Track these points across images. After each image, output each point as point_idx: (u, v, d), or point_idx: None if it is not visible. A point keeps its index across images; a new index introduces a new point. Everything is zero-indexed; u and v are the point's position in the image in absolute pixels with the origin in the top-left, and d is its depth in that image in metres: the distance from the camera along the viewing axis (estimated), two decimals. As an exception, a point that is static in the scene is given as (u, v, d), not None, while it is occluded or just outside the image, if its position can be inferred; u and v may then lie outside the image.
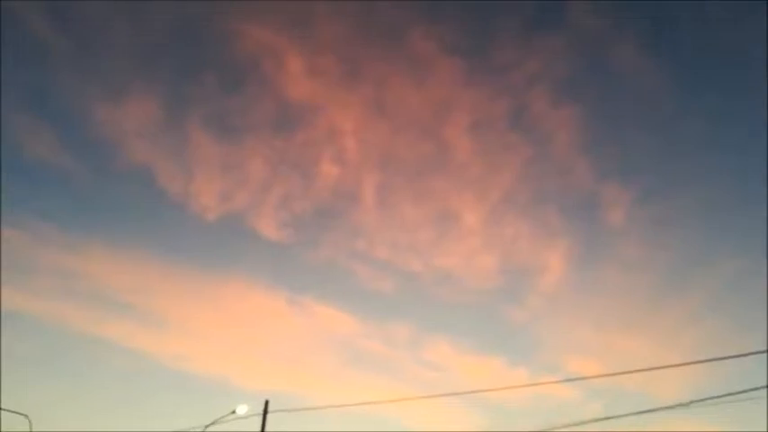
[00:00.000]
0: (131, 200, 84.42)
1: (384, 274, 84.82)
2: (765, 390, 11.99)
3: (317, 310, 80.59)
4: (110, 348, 77.45)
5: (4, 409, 28.68)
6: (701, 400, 13.41)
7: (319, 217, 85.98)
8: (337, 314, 79.47)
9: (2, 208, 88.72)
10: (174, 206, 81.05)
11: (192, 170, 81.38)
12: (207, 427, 26.54)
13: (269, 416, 21.73)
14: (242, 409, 24.72)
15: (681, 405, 14.22)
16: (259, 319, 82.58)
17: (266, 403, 21.44)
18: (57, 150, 77.59)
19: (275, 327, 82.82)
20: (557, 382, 18.93)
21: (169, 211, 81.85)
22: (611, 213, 62.20)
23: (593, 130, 64.38)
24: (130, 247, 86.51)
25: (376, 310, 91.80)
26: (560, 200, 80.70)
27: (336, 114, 77.15)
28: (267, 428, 21.25)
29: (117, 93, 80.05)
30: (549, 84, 64.49)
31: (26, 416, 29.11)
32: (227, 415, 25.54)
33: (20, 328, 76.76)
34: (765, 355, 11.83)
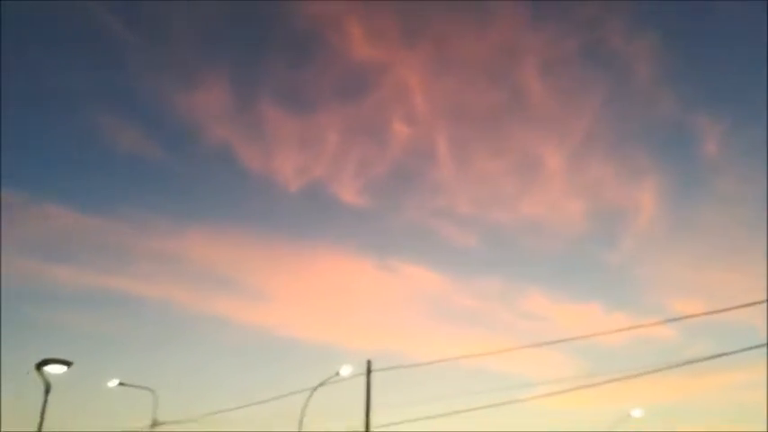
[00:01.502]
0: (218, 181, 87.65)
1: (469, 229, 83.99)
2: None
3: (406, 271, 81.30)
4: (217, 323, 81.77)
5: (131, 385, 31.08)
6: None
7: (397, 179, 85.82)
8: (426, 273, 79.83)
9: (102, 202, 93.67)
10: (257, 182, 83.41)
11: (269, 146, 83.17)
12: (314, 389, 27.75)
13: (372, 375, 22.34)
14: (346, 370, 25.61)
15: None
16: (350, 284, 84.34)
17: (368, 363, 22.04)
18: (145, 143, 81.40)
19: (366, 290, 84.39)
20: (658, 323, 18.23)
21: (253, 187, 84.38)
22: (703, 146, 58.15)
23: (675, 60, 59.79)
24: (224, 226, 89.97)
25: (464, 265, 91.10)
26: (646, 136, 76.02)
27: (402, 73, 76.04)
28: (371, 387, 21.91)
29: (190, 81, 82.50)
30: (625, 15, 60.26)
31: (151, 390, 31.33)
32: (332, 376, 26.56)
33: (135, 311, 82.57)
34: None
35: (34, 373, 20.58)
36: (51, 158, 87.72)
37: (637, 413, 37.43)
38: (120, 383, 30.97)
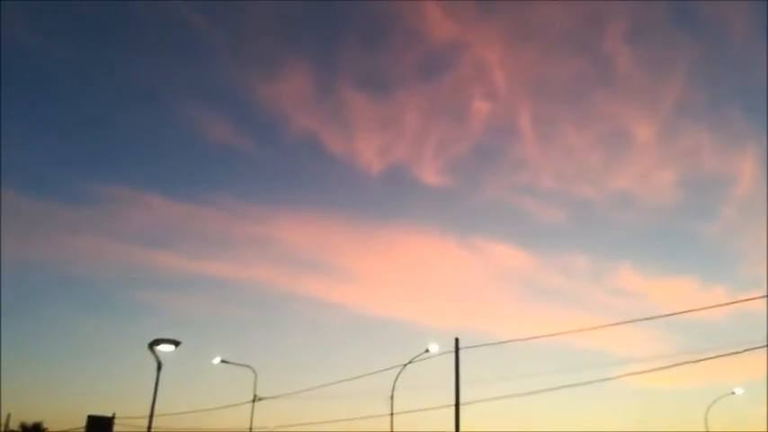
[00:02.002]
0: (304, 167, 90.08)
1: (553, 204, 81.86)
2: None
3: (489, 249, 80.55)
4: (309, 304, 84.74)
5: (233, 362, 33.01)
6: None
7: (478, 157, 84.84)
8: (510, 251, 78.80)
9: (198, 192, 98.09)
10: (341, 166, 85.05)
11: (351, 130, 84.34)
12: (404, 366, 28.43)
13: (459, 352, 22.62)
14: (434, 348, 26.07)
15: None
16: (434, 263, 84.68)
17: (456, 341, 22.32)
18: (233, 133, 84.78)
19: (451, 269, 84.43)
20: (759, 297, 17.24)
21: (338, 171, 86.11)
22: (809, 106, 53.27)
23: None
24: (311, 211, 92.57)
25: (550, 242, 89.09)
26: (744, 98, 70.94)
27: (480, 50, 74.61)
28: (459, 364, 22.21)
29: (273, 73, 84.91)
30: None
31: (251, 367, 33.13)
32: (421, 354, 27.11)
33: (231, 294, 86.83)
34: None
35: (147, 352, 22.43)
36: (151, 153, 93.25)
37: (739, 391, 35.68)
38: (223, 361, 32.92)
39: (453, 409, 21.57)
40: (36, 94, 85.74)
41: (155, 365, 22.10)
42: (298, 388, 28.83)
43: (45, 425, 58.86)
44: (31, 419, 57.25)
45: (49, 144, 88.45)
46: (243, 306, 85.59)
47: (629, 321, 19.19)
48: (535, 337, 21.35)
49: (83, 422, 29.31)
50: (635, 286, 74.59)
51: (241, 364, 33.05)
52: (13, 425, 49.97)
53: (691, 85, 72.37)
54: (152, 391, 21.82)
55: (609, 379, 20.04)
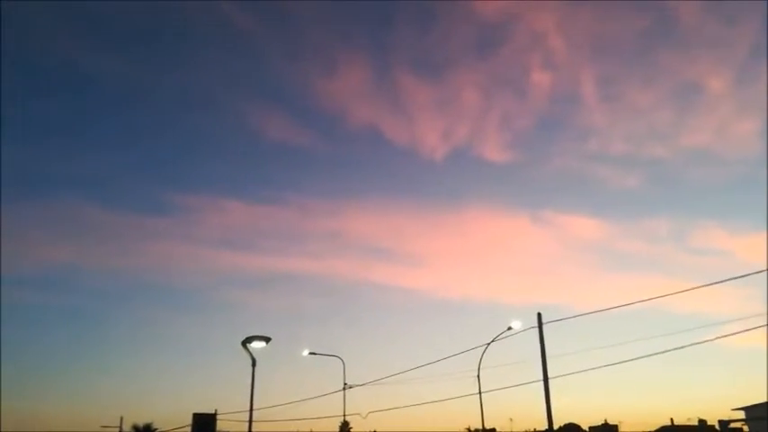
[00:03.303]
0: (367, 158, 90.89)
1: (626, 169, 79.09)
2: None
3: (562, 221, 78.81)
4: (384, 291, 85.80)
5: (321, 353, 34.08)
6: None
7: (542, 128, 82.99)
8: (584, 221, 76.74)
9: (262, 192, 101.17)
10: (404, 154, 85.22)
11: (411, 116, 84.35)
12: (488, 344, 28.52)
13: (543, 327, 22.48)
14: (517, 325, 26.00)
15: None
16: (507, 240, 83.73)
17: (539, 316, 22.18)
18: (292, 129, 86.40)
19: (524, 245, 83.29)
20: None
21: (401, 159, 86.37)
22: None
23: None
24: (378, 200, 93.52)
25: (626, 208, 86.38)
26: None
27: (534, 19, 72.59)
28: (544, 339, 22.07)
29: (328, 65, 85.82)
30: None
31: (339, 357, 34.07)
32: (504, 332, 27.10)
33: (305, 287, 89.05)
34: None
35: (240, 349, 23.56)
36: (216, 157, 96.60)
37: None
38: (311, 353, 34.04)
39: (542, 384, 21.52)
40: (98, 109, 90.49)
41: (248, 361, 23.25)
42: (384, 374, 29.45)
43: (155, 425, 62.65)
44: (141, 421, 61.10)
45: (120, 157, 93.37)
46: (320, 298, 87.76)
47: (717, 282, 18.45)
48: (619, 306, 20.87)
49: (188, 420, 31.15)
50: (721, 244, 71.22)
51: (329, 355, 34.11)
52: (126, 426, 53.62)
53: (766, 26, 67.84)
54: (248, 386, 22.98)
55: (702, 342, 19.37)
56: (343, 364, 32.95)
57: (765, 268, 16.88)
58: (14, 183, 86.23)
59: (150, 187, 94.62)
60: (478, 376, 29.58)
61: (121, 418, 54.36)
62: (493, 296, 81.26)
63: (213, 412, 26.56)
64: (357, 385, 31.21)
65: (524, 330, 24.28)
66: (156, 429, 61.29)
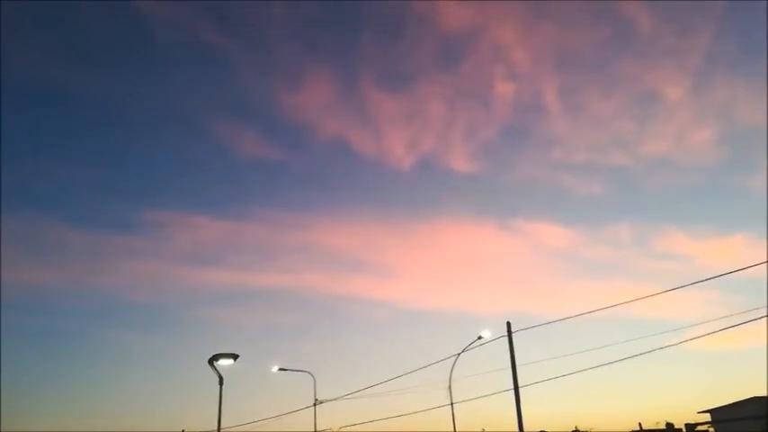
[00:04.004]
0: (336, 170, 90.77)
1: (589, 177, 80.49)
2: None
3: (530, 228, 79.75)
4: (355, 303, 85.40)
5: (290, 369, 33.66)
6: None
7: (507, 138, 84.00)
8: (551, 228, 77.91)
9: (232, 207, 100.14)
10: (372, 165, 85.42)
11: (378, 127, 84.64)
12: (458, 355, 28.55)
13: (513, 336, 22.61)
14: (486, 334, 26.13)
15: None
16: (475, 250, 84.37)
17: (508, 325, 22.31)
18: (261, 144, 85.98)
19: (492, 254, 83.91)
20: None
21: (369, 170, 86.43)
22: None
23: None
24: (347, 212, 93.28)
25: (590, 215, 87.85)
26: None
27: (497, 31, 73.84)
28: (513, 347, 22.20)
29: (295, 79, 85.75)
30: None
31: (309, 372, 33.71)
32: (474, 342, 27.18)
33: (277, 301, 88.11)
34: None
35: (208, 368, 23.09)
36: (187, 174, 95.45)
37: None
38: (281, 369, 33.62)
39: (513, 393, 21.61)
40: (69, 125, 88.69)
41: (216, 380, 22.80)
42: (356, 387, 29.26)
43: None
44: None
45: (89, 176, 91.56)
46: (293, 312, 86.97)
47: (681, 287, 18.82)
48: (587, 313, 21.15)
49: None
50: (684, 249, 72.91)
51: (299, 370, 33.73)
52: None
53: (720, 35, 70.24)
54: (217, 404, 22.52)
55: (668, 346, 19.72)
56: (314, 379, 32.70)
57: (725, 272, 17.31)
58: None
59: (119, 205, 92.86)
60: (450, 387, 29.61)
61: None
62: (463, 306, 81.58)
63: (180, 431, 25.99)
64: (328, 400, 30.96)
65: (494, 339, 24.42)
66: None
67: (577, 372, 21.82)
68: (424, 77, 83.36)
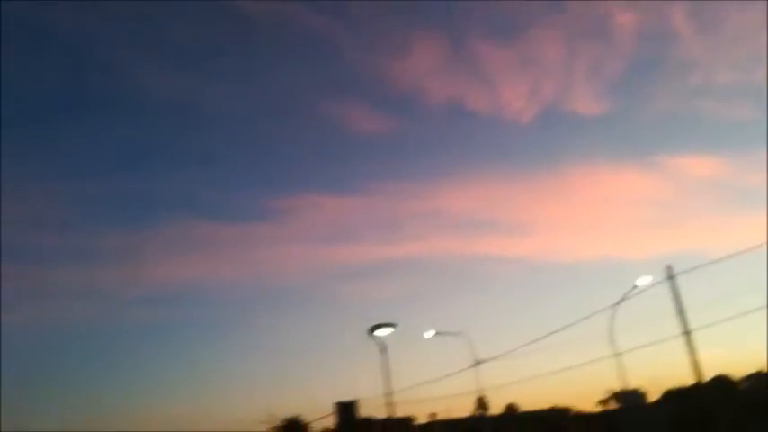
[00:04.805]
0: (453, 132, 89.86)
1: (735, 99, 72.39)
2: None
3: (674, 164, 73.63)
4: (491, 263, 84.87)
5: (445, 332, 34.40)
6: None
7: (636, 71, 77.80)
8: (697, 160, 71.37)
9: (355, 183, 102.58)
10: (490, 122, 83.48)
11: (492, 82, 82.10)
12: (615, 305, 27.55)
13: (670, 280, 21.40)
14: (644, 281, 24.86)
15: None
16: (613, 194, 79.69)
17: (669, 268, 21.13)
18: (375, 118, 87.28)
19: (634, 196, 78.78)
20: None
21: (488, 128, 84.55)
22: None
23: None
24: (472, 174, 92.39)
25: (739, 140, 79.19)
26: None
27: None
28: (678, 292, 21.01)
29: (399, 47, 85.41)
30: None
31: (463, 334, 34.16)
32: (630, 290, 26.05)
33: (414, 269, 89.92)
34: None
35: (369, 338, 24.49)
36: (306, 158, 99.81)
37: None
38: (436, 333, 34.46)
39: (682, 338, 20.56)
40: (179, 128, 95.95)
41: (375, 349, 24.12)
42: (508, 346, 29.10)
43: (303, 416, 66.24)
44: (288, 415, 64.85)
45: (212, 172, 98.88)
46: (429, 279, 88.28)
47: None
48: (755, 247, 19.35)
49: (329, 410, 32.85)
50: None
51: (453, 333, 34.36)
52: (276, 422, 57.29)
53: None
54: (379, 373, 23.85)
55: None
56: (469, 339, 33.17)
57: None
58: (129, 208, 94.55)
59: (247, 196, 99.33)
60: (612, 338, 28.71)
61: (270, 415, 58.11)
62: (609, 254, 77.74)
63: (353, 400, 27.83)
64: (487, 360, 31.29)
65: (654, 285, 23.26)
66: (302, 421, 64.80)
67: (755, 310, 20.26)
68: (534, 22, 79.26)
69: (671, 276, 21.01)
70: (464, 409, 57.36)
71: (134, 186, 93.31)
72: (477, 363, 30.71)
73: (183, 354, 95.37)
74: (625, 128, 77.19)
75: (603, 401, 50.09)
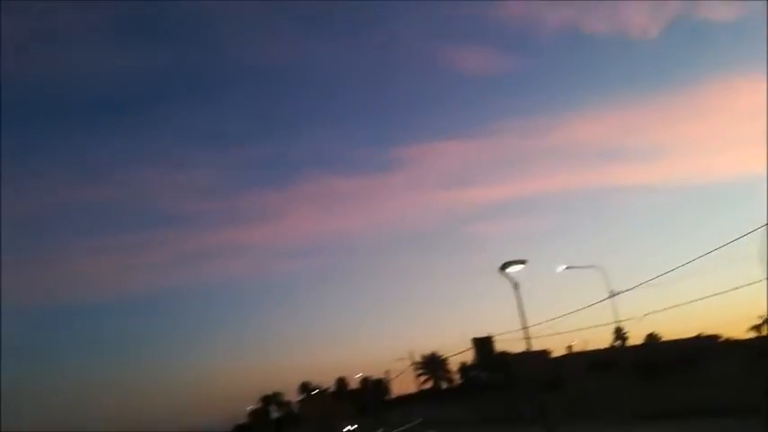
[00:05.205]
0: (571, 61, 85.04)
1: None
2: None
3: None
4: (623, 192, 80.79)
5: (577, 266, 34.01)
6: None
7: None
8: None
9: (475, 126, 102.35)
10: (610, 43, 77.81)
11: (610, 1, 76.09)
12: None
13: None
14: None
15: None
16: (751, 106, 72.27)
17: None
18: (489, 57, 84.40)
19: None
20: None
21: (609, 49, 79.02)
22: None
23: None
24: (596, 102, 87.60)
25: None
26: None
27: None
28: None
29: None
30: None
31: (597, 267, 33.54)
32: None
33: (543, 206, 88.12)
34: None
35: (500, 276, 24.90)
36: (424, 106, 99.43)
37: None
38: (568, 267, 34.12)
39: None
40: (310, 92, 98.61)
41: (508, 286, 24.45)
42: (646, 276, 27.84)
43: (440, 352, 69.22)
44: (425, 352, 68.08)
45: (351, 129, 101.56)
46: (559, 214, 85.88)
47: None
48: None
49: (466, 346, 33.99)
50: None
51: (586, 266, 33.80)
52: (415, 358, 60.55)
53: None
54: (513, 309, 24.24)
55: None
56: (603, 272, 32.47)
57: None
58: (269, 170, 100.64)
59: (374, 149, 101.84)
60: (764, 259, 26.67)
61: (410, 351, 61.42)
62: (749, 172, 71.02)
63: (489, 335, 28.64)
64: (623, 291, 30.50)
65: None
66: (442, 355, 67.62)
67: None
68: None
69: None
70: (602, 341, 56.70)
71: (272, 150, 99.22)
72: (613, 294, 30.12)
73: (325, 300, 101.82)
74: (763, 33, 69.02)
75: (756, 327, 47.24)
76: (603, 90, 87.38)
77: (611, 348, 52.09)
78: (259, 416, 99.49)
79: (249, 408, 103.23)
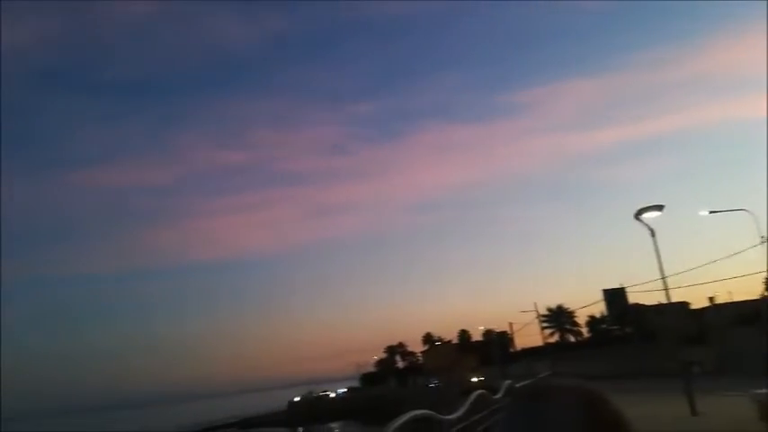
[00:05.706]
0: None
1: None
2: None
3: None
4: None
5: (722, 210, 30.82)
6: None
7: None
8: None
9: (599, 61, 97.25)
10: None
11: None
12: None
13: None
14: None
15: None
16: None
17: None
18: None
19: None
20: None
21: None
22: None
23: None
24: (736, 25, 78.06)
25: None
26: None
27: None
28: None
29: None
30: None
31: (747, 210, 30.24)
32: None
33: (679, 144, 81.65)
34: None
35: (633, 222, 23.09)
36: (545, 44, 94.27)
37: None
38: (711, 212, 31.03)
39: None
40: (424, 40, 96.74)
41: (646, 234, 22.61)
42: None
43: (564, 305, 67.38)
44: (552, 304, 66.53)
45: (452, 77, 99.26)
46: (706, 152, 78.65)
47: None
48: None
49: (595, 299, 32.33)
50: None
51: (732, 210, 30.67)
52: (541, 310, 59.23)
53: None
54: (645, 260, 22.43)
55: None
56: (753, 216, 29.13)
57: None
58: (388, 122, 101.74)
59: (493, 95, 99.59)
60: None
61: (535, 303, 60.22)
62: None
63: (622, 287, 26.81)
64: (779, 236, 27.11)
65: None
66: (567, 309, 65.77)
67: None
68: None
69: None
70: (748, 292, 51.95)
71: (390, 102, 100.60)
72: (765, 241, 26.90)
73: (447, 252, 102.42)
74: None
75: None
76: (744, 10, 77.98)
77: (761, 299, 47.42)
78: (385, 365, 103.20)
79: (376, 357, 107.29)
